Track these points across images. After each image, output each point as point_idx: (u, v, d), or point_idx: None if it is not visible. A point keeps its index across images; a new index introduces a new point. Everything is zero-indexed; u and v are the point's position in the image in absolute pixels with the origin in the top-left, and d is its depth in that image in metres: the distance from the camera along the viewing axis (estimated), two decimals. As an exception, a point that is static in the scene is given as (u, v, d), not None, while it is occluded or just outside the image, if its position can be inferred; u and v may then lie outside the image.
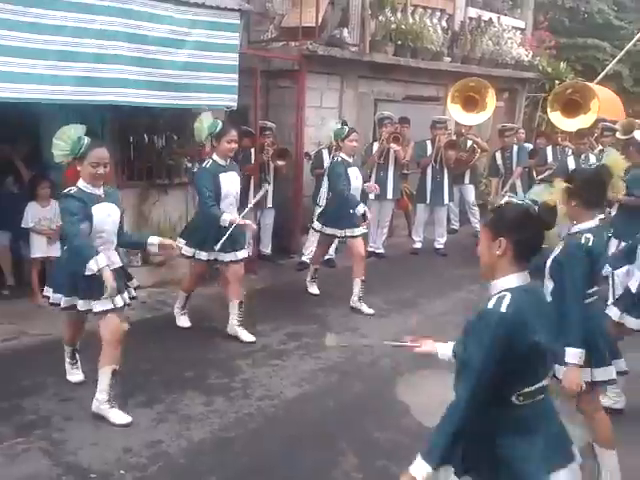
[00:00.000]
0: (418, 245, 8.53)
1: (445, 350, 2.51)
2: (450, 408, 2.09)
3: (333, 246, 7.61)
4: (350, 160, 6.09)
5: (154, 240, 4.10)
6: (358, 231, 6.08)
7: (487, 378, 2.02)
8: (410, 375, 4.62)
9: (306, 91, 7.76)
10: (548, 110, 8.64)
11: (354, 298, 6.07)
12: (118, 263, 3.96)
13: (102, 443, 3.65)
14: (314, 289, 6.54)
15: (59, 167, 5.82)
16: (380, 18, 8.53)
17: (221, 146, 5.01)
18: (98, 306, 3.78)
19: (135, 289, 4.21)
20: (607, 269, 4.06)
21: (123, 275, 4.03)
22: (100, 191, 3.82)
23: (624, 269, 5.01)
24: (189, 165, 6.71)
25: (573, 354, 3.06)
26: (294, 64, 7.66)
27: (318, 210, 6.80)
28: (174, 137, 6.57)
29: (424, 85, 9.73)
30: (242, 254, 5.22)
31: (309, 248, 7.45)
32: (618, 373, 3.31)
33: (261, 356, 4.96)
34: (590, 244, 3.05)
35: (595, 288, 3.21)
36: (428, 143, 8.30)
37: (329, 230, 6.19)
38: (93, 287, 3.72)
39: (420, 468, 2.05)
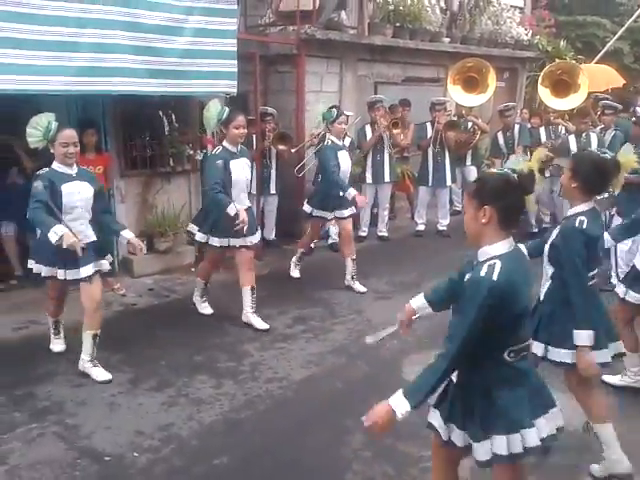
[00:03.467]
0: (421, 227, 8.56)
1: (419, 302, 2.68)
2: (438, 359, 2.25)
3: (336, 230, 7.66)
4: (340, 143, 6.09)
5: (126, 235, 4.37)
6: (347, 212, 6.13)
7: (475, 338, 2.19)
8: (416, 355, 4.67)
9: (305, 75, 7.76)
10: (539, 90, 8.59)
11: (347, 277, 6.20)
12: (92, 237, 4.23)
13: (115, 427, 3.73)
14: (296, 273, 6.57)
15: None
16: (378, 0, 8.49)
17: (230, 132, 5.00)
18: (70, 275, 4.11)
19: (108, 276, 4.54)
20: (610, 242, 4.09)
21: (94, 248, 4.24)
22: (72, 170, 4.11)
23: (627, 243, 5.04)
24: (191, 153, 6.74)
25: (583, 336, 3.08)
26: (292, 48, 7.64)
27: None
28: (176, 125, 6.59)
29: (424, 66, 9.69)
30: (253, 239, 5.23)
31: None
32: (615, 356, 3.32)
33: (268, 340, 5.02)
34: (585, 226, 3.06)
35: (594, 271, 3.23)
36: (428, 125, 8.31)
37: (318, 212, 6.22)
38: (67, 258, 3.98)
39: (400, 405, 2.26)
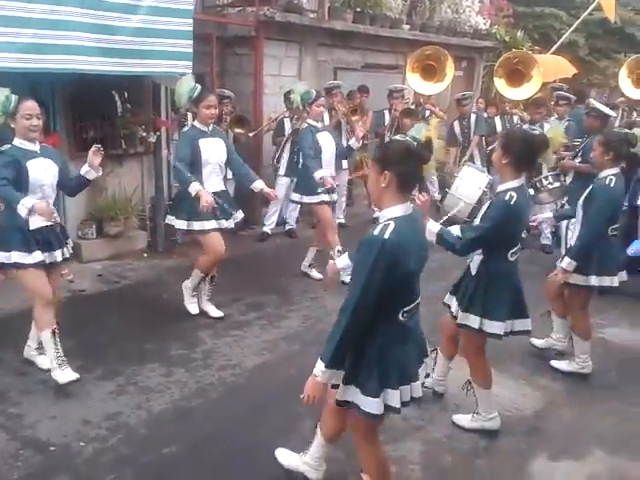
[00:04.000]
0: (378, 214, 8.55)
1: (344, 262, 2.83)
2: (339, 316, 2.39)
3: (295, 215, 7.61)
4: (318, 125, 5.90)
5: (85, 169, 4.00)
6: (317, 198, 5.85)
7: (370, 294, 2.32)
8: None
9: (264, 59, 7.64)
10: (494, 79, 8.69)
11: (305, 263, 6.19)
12: (57, 218, 3.94)
13: (60, 416, 3.62)
14: (315, 274, 6.19)
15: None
16: (338, -16, 8.42)
17: (200, 112, 4.82)
18: (49, 257, 3.88)
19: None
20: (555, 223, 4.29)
21: (60, 232, 4.03)
22: (36, 147, 3.86)
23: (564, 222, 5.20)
24: (144, 135, 6.55)
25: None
26: (251, 30, 7.52)
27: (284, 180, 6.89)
28: (128, 106, 6.40)
29: (383, 53, 9.68)
30: (227, 224, 5.01)
31: (270, 219, 7.44)
32: (517, 332, 3.45)
33: (222, 327, 4.96)
34: (513, 202, 3.18)
35: (517, 247, 3.36)
36: (385, 112, 8.30)
37: (310, 199, 5.92)
38: (28, 241, 3.79)
39: (318, 367, 2.44)
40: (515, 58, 8.58)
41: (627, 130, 4.32)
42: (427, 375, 2.70)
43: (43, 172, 3.84)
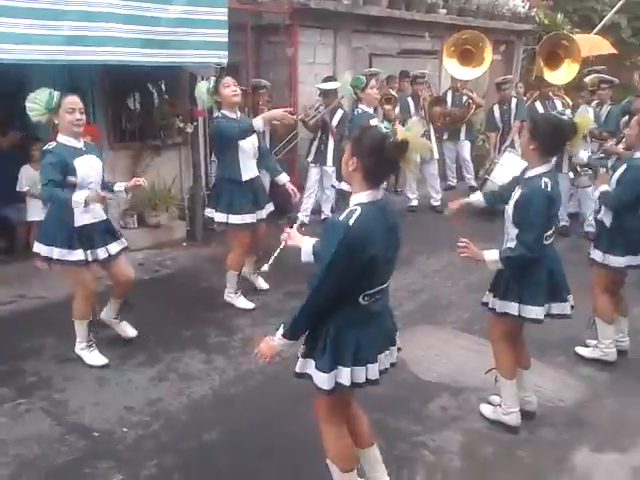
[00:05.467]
0: (414, 202, 8.44)
1: (307, 246, 2.77)
2: (307, 296, 2.44)
3: (330, 204, 7.59)
4: (371, 111, 5.76)
5: (120, 187, 4.13)
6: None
7: (333, 276, 2.36)
8: (407, 331, 4.63)
9: (299, 46, 7.60)
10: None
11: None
12: (102, 217, 4.04)
13: (103, 402, 3.70)
14: None
15: (48, 130, 5.80)
16: (373, -31, 8.31)
17: (223, 95, 4.74)
18: (91, 255, 3.94)
19: (127, 249, 4.28)
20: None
21: (104, 229, 4.07)
22: (80, 144, 3.88)
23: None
24: (182, 125, 6.61)
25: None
26: (285, 18, 7.48)
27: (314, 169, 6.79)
28: (166, 97, 6.45)
29: (419, 38, 9.53)
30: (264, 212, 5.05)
31: (306, 207, 7.45)
32: (554, 315, 3.36)
33: (260, 315, 4.98)
34: (549, 188, 3.14)
35: (552, 230, 3.30)
36: (409, 100, 8.10)
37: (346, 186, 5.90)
38: (72, 238, 3.84)
39: (277, 334, 2.52)
40: (560, 40, 8.33)
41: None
42: (392, 364, 2.70)
43: (90, 170, 3.86)
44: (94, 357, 4.12)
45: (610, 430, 3.54)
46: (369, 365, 2.53)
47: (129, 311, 4.43)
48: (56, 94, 3.76)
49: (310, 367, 2.57)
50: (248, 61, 7.14)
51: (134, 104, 6.34)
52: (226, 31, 5.78)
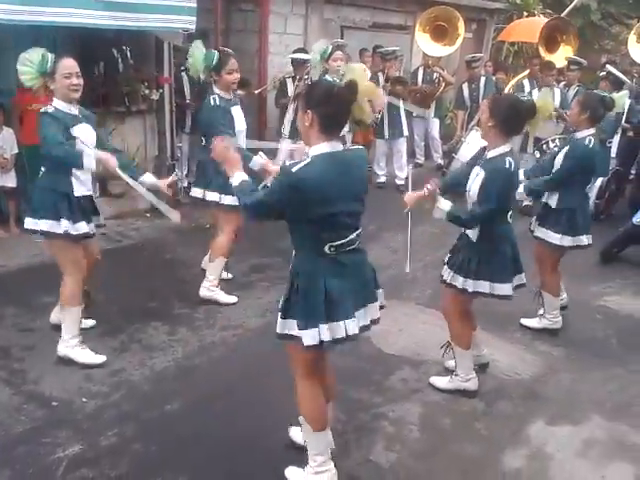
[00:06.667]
0: (382, 179, 8.45)
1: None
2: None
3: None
4: (337, 81, 5.75)
5: (150, 178, 3.96)
6: None
7: (267, 207, 2.48)
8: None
9: (270, 16, 7.47)
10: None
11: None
12: (91, 191, 3.81)
13: (63, 372, 3.64)
14: None
15: (8, 93, 5.59)
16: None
17: (222, 79, 4.40)
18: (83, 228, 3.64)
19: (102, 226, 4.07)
20: None
21: (91, 203, 3.84)
22: (76, 111, 3.63)
23: None
24: (147, 92, 6.45)
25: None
26: (257, -15, 7.34)
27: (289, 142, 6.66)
28: (131, 62, 6.28)
29: (392, 12, 9.47)
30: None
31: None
32: (516, 287, 3.48)
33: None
34: (512, 168, 3.22)
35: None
36: (380, 75, 7.96)
37: None
38: (73, 209, 3.59)
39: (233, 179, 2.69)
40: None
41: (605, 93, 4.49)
42: (372, 321, 2.71)
43: (87, 140, 3.60)
44: (89, 355, 3.75)
45: (564, 404, 3.65)
46: (347, 321, 2.53)
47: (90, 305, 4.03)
48: (50, 57, 3.47)
49: (292, 327, 2.57)
50: (217, 28, 6.98)
51: (98, 69, 6.15)
52: (195, -4, 5.63)
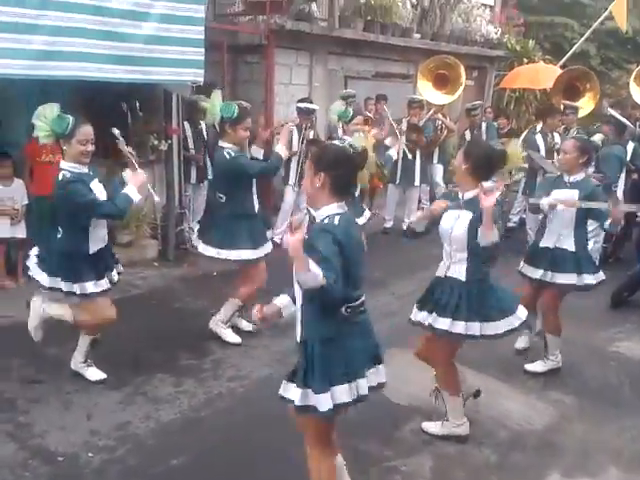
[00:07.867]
0: (389, 224, 8.49)
1: (283, 300, 2.80)
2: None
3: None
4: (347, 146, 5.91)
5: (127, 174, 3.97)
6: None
7: (338, 271, 2.35)
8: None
9: (275, 67, 7.65)
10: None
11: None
12: (106, 241, 3.95)
13: (69, 426, 3.60)
14: None
15: (18, 145, 5.69)
16: (349, -8, 8.45)
17: (237, 134, 4.52)
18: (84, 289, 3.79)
19: (119, 273, 4.17)
20: None
21: (110, 253, 4.03)
22: (87, 169, 3.76)
23: None
24: (155, 143, 6.56)
25: None
26: (262, 39, 7.53)
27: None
28: (140, 114, 6.41)
29: (394, 62, 9.68)
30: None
31: (279, 228, 7.43)
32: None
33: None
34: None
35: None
36: (404, 121, 8.12)
37: None
38: (82, 269, 3.75)
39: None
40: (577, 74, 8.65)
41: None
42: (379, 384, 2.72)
43: (101, 195, 3.76)
44: (94, 372, 4.08)
45: (579, 454, 3.57)
46: (359, 380, 2.54)
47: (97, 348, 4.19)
48: (71, 120, 3.60)
49: (311, 397, 2.52)
50: (224, 80, 7.14)
51: (107, 121, 6.26)
52: (202, 49, 5.77)
